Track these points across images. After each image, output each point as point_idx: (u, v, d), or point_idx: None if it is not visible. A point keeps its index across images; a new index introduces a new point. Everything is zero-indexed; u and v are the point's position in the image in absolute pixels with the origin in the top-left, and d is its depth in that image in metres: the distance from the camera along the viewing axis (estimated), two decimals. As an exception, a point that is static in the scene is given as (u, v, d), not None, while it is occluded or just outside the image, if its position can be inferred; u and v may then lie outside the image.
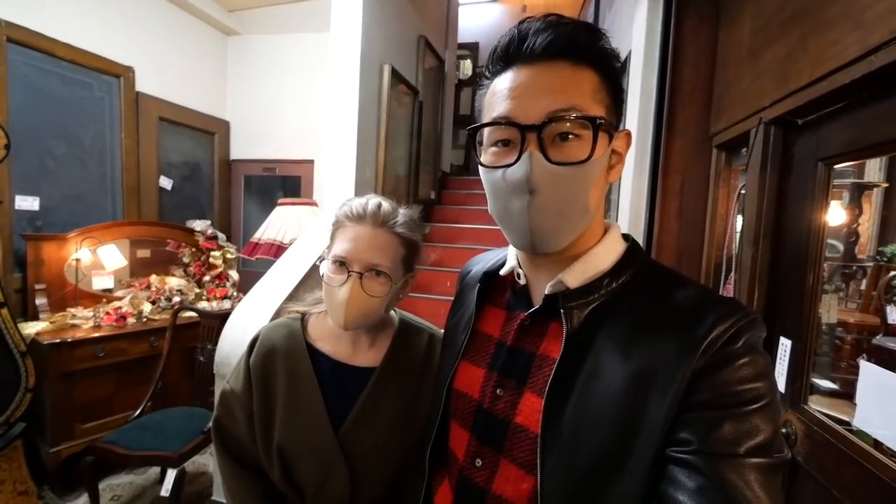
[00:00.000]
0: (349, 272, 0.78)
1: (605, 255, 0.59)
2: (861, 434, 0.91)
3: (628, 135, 0.60)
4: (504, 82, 0.55)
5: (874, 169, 1.89)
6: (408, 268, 0.86)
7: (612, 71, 0.55)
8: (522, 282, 0.64)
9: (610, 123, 0.54)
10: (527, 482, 0.55)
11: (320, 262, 0.84)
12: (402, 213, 0.84)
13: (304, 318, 0.93)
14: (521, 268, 0.65)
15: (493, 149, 0.56)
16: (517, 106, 0.53)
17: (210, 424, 2.15)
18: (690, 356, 0.47)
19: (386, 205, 0.84)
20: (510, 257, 0.68)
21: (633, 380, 0.49)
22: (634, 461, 0.47)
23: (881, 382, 0.88)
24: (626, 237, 0.63)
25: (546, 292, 0.59)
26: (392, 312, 0.95)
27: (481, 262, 0.80)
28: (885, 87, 0.87)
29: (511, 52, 0.54)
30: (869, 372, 0.91)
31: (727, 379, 0.46)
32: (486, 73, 0.58)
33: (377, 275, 0.80)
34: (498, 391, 0.61)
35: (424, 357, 0.90)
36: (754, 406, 0.45)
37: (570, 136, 0.52)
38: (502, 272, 0.68)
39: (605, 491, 0.49)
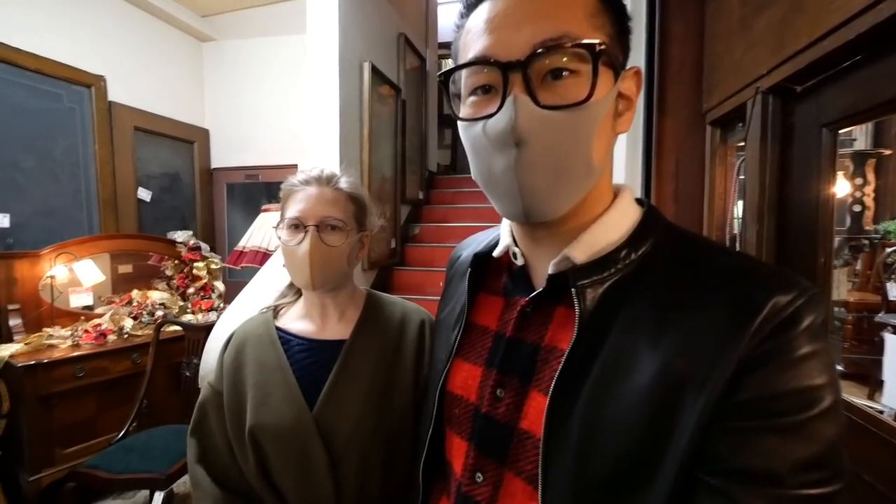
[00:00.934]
0: (306, 228, 0.81)
1: (617, 222, 0.49)
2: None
3: (638, 73, 0.49)
4: (480, 14, 0.45)
5: (861, 140, 1.85)
6: (360, 225, 0.89)
7: None
8: (520, 262, 0.55)
9: (613, 55, 0.45)
10: (536, 500, 0.46)
11: (276, 230, 0.86)
12: (345, 176, 0.89)
13: (275, 309, 0.95)
14: (516, 246, 0.56)
15: (472, 98, 0.47)
16: (496, 40, 0.43)
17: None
18: (736, 342, 0.37)
19: (329, 169, 0.88)
20: (504, 235, 0.59)
21: (663, 373, 0.40)
22: (661, 475, 0.39)
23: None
24: (640, 202, 0.53)
25: (550, 272, 0.50)
26: (361, 288, 0.96)
27: (472, 244, 0.71)
28: (891, 42, 0.81)
29: None
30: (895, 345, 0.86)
31: (781, 376, 0.37)
32: (461, 13, 0.49)
33: (333, 229, 0.82)
34: (498, 392, 0.52)
35: (399, 325, 0.89)
36: (810, 413, 0.36)
37: (563, 73, 0.42)
38: (496, 253, 0.59)
39: None
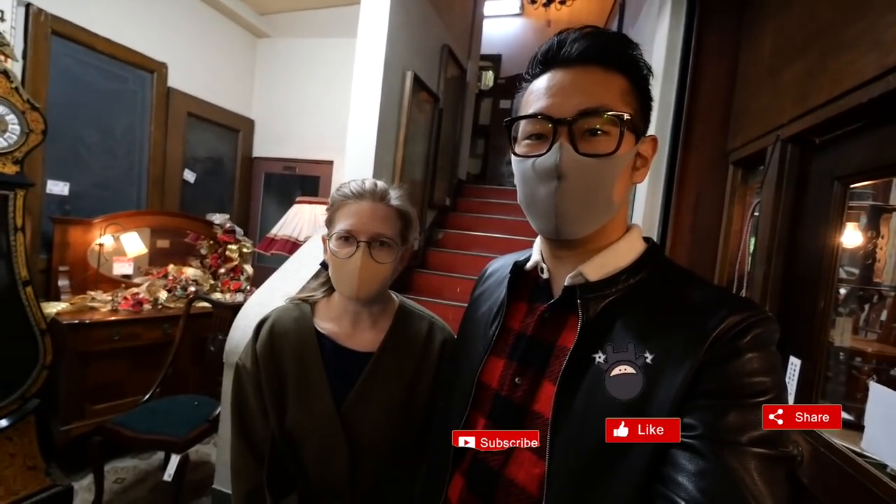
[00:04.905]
0: (357, 243, 0.83)
1: (625, 251, 0.62)
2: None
3: (655, 141, 0.64)
4: (541, 82, 0.60)
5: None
6: (404, 239, 0.91)
7: (641, 79, 0.60)
8: (545, 276, 0.68)
9: (637, 125, 0.59)
10: (539, 467, 0.57)
11: (324, 240, 0.89)
12: (395, 189, 0.91)
13: (312, 302, 0.97)
14: (544, 262, 0.68)
15: (527, 141, 0.61)
16: (552, 103, 0.58)
17: (216, 412, 2.16)
18: (700, 346, 0.49)
19: (381, 183, 0.91)
20: (534, 253, 0.72)
21: (646, 367, 0.52)
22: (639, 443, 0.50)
23: (890, 404, 0.87)
24: (646, 240, 0.66)
25: (566, 284, 0.62)
26: (393, 296, 0.99)
27: (505, 260, 0.82)
28: (902, 108, 0.87)
29: (549, 57, 0.60)
30: (879, 394, 0.90)
31: (734, 370, 0.48)
32: (525, 76, 0.64)
33: (382, 245, 0.85)
34: (517, 380, 0.63)
35: (424, 342, 0.92)
36: (760, 399, 0.47)
37: (598, 132, 0.56)
38: (527, 267, 0.72)
39: (610, 471, 0.51)
